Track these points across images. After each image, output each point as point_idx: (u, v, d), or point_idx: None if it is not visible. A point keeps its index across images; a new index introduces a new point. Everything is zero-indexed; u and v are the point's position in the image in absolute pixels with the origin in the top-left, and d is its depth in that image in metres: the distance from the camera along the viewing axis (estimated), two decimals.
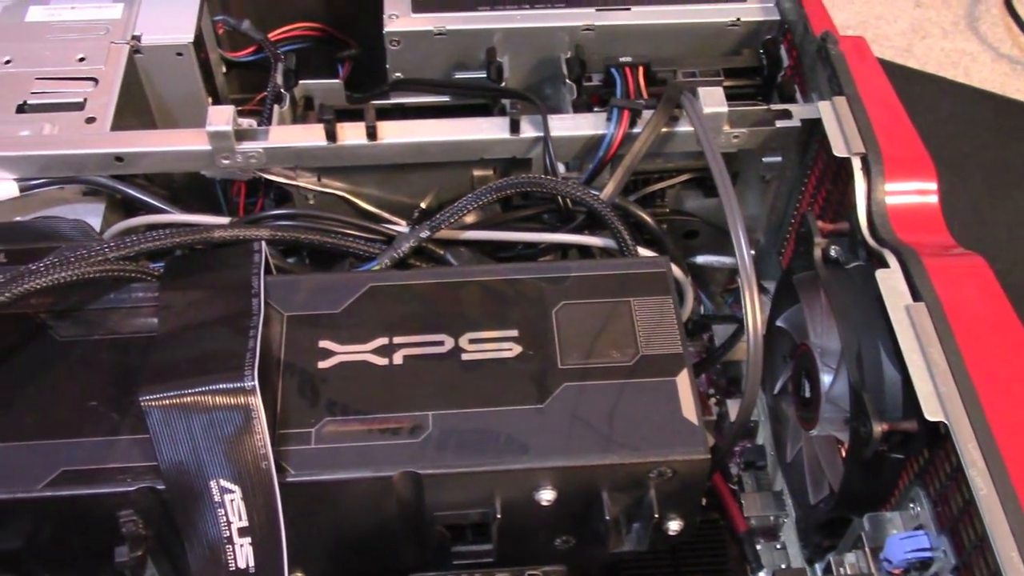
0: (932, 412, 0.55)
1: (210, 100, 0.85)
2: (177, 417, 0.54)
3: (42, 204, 0.73)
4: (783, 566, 0.74)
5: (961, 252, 0.63)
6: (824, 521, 0.67)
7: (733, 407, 0.79)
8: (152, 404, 0.54)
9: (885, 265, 0.61)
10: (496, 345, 0.60)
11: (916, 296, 0.59)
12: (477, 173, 0.76)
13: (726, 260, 0.82)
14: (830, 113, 0.70)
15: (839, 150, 0.68)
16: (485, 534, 0.61)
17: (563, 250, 0.73)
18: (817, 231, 0.66)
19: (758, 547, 0.74)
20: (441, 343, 0.61)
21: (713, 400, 0.83)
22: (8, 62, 0.78)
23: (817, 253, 0.66)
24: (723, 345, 0.78)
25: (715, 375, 0.84)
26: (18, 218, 0.71)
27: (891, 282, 0.60)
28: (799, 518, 0.72)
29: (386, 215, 0.76)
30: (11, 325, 0.61)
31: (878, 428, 0.57)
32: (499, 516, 0.57)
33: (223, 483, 0.54)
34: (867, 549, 0.60)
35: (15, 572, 0.59)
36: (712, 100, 0.71)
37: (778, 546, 0.75)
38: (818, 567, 0.70)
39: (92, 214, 0.72)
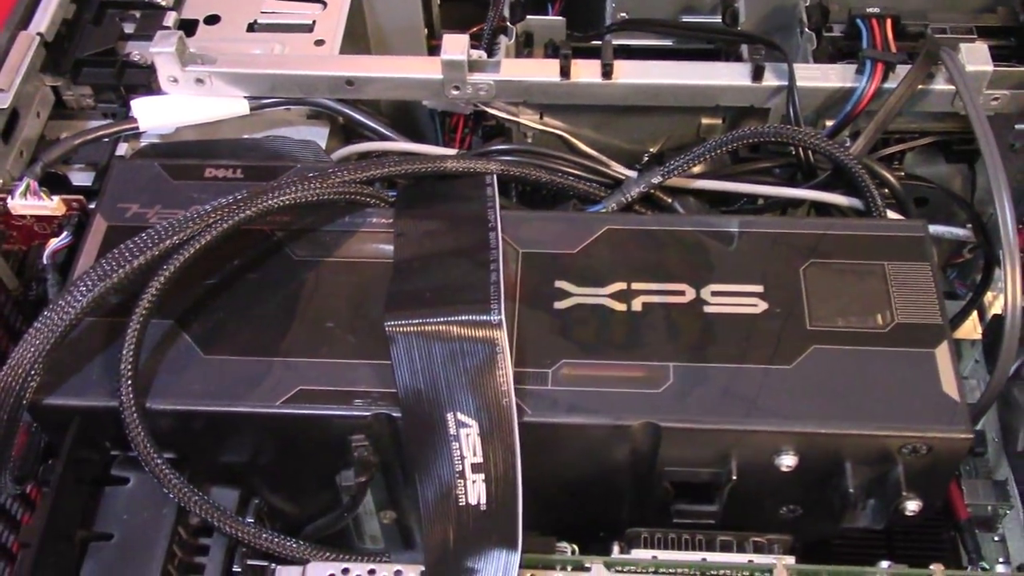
0: None
1: (425, 31, 0.84)
2: (420, 345, 0.53)
3: (267, 125, 0.73)
4: (1001, 560, 0.69)
5: None
6: None
7: None
8: (397, 330, 0.54)
9: None
10: (740, 300, 0.58)
11: None
12: (705, 121, 0.73)
13: (958, 231, 0.76)
14: None
15: None
16: (708, 495, 0.58)
17: (785, 208, 0.70)
18: None
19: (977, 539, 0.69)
20: (682, 293, 0.58)
21: None
22: None
23: None
24: (951, 320, 0.74)
25: None
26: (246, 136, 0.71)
27: None
28: None
29: (605, 159, 0.73)
30: (250, 241, 0.61)
31: None
32: (734, 478, 0.55)
33: (460, 416, 0.53)
34: None
35: (236, 484, 0.59)
36: (976, 57, 0.66)
37: (996, 538, 0.71)
38: None
39: (316, 138, 0.72)
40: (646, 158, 0.71)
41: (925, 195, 0.78)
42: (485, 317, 0.53)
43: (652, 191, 0.66)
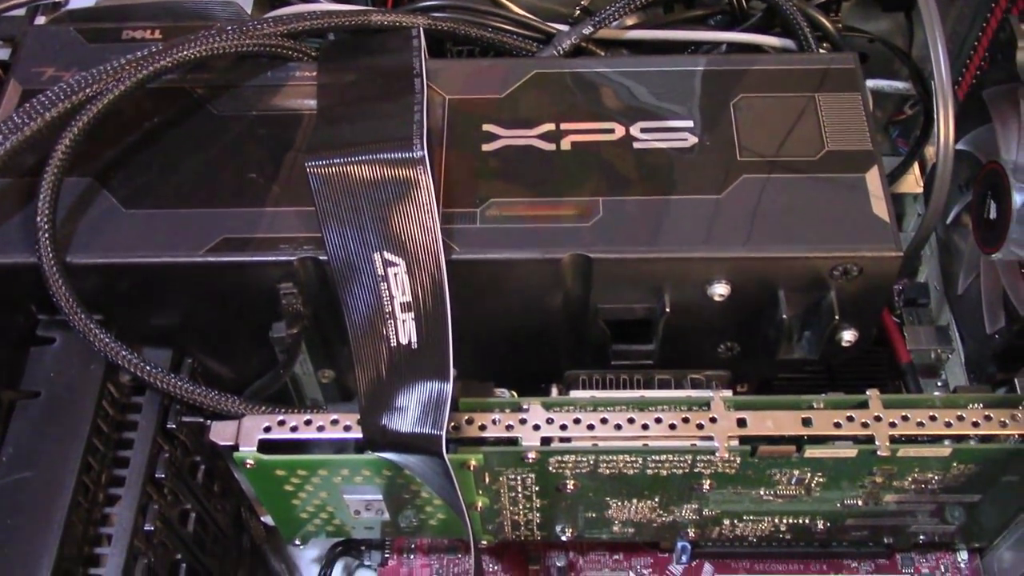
0: None
1: None
2: (343, 186, 0.52)
3: None
4: None
5: None
6: (1001, 350, 0.63)
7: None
8: (318, 171, 0.53)
9: None
10: (670, 135, 0.57)
11: None
12: None
13: (898, 84, 0.76)
14: None
15: None
16: (645, 334, 0.58)
17: None
18: (1021, 34, 0.61)
19: (921, 384, 0.70)
20: (612, 131, 0.57)
21: None
22: None
23: (1020, 58, 0.60)
24: (892, 173, 0.73)
25: None
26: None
27: None
28: (970, 351, 0.68)
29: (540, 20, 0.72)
30: (169, 99, 0.59)
31: None
32: (667, 311, 0.55)
33: (387, 255, 0.52)
34: None
35: (172, 347, 0.59)
36: None
37: (939, 383, 0.71)
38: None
39: (244, 4, 0.69)
40: (578, 11, 0.70)
41: (865, 51, 0.78)
42: (407, 154, 0.52)
43: (584, 44, 0.65)
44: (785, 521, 0.62)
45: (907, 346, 0.70)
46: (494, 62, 0.63)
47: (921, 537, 0.64)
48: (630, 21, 0.68)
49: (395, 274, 0.52)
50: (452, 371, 0.51)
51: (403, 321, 0.52)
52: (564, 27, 0.67)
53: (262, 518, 0.66)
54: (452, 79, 0.60)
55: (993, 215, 0.63)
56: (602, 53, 0.66)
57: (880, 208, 0.54)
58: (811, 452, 0.54)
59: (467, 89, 0.59)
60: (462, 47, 0.70)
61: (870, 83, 0.77)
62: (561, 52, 0.64)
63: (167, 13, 0.65)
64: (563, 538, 0.63)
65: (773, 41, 0.65)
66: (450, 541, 0.68)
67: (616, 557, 0.67)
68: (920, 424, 0.53)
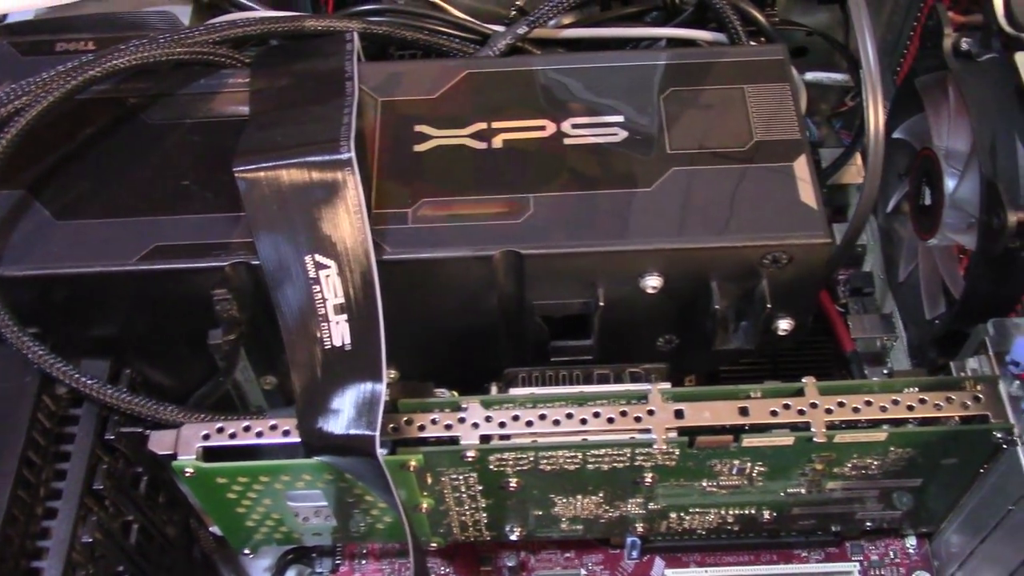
0: None
1: None
2: (271, 189, 0.52)
3: (132, 5, 0.70)
4: None
5: None
6: (941, 336, 0.64)
7: (839, 233, 0.75)
8: (246, 176, 0.53)
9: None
10: (600, 130, 0.57)
11: None
12: None
13: (836, 75, 0.77)
14: None
15: None
16: (582, 329, 0.58)
17: None
18: (948, 22, 0.61)
19: (866, 372, 0.70)
20: (543, 128, 0.58)
21: None
22: None
23: (947, 45, 0.61)
24: (834, 163, 0.74)
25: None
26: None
27: None
28: (912, 337, 0.69)
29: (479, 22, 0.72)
30: (102, 109, 0.59)
31: (1013, 218, 0.53)
32: (601, 304, 0.55)
33: (318, 258, 0.52)
34: (991, 353, 0.56)
35: (112, 357, 0.58)
36: None
37: (885, 371, 0.72)
38: None
39: (179, 14, 0.70)
40: (513, 12, 0.70)
41: (803, 44, 0.79)
42: (334, 156, 0.52)
43: (520, 44, 0.65)
44: (732, 512, 0.62)
45: (852, 335, 0.70)
46: (427, 64, 0.64)
47: (868, 524, 0.64)
48: (567, 20, 0.68)
49: (327, 276, 0.52)
50: (385, 372, 0.51)
51: (336, 323, 0.52)
52: (501, 28, 0.67)
53: (211, 528, 0.66)
54: (385, 81, 0.60)
55: (928, 201, 0.64)
56: (538, 52, 0.66)
57: (808, 195, 0.54)
58: (749, 441, 0.54)
59: (400, 91, 0.60)
60: (404, 51, 0.71)
61: (809, 75, 0.78)
62: (497, 53, 0.64)
63: (103, 25, 0.65)
64: (512, 538, 0.63)
65: (706, 36, 0.65)
66: (402, 545, 0.68)
67: (567, 555, 0.67)
68: (856, 410, 0.54)
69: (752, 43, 0.64)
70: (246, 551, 0.64)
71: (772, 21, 0.74)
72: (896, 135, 0.69)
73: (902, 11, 0.75)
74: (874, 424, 0.55)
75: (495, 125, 0.58)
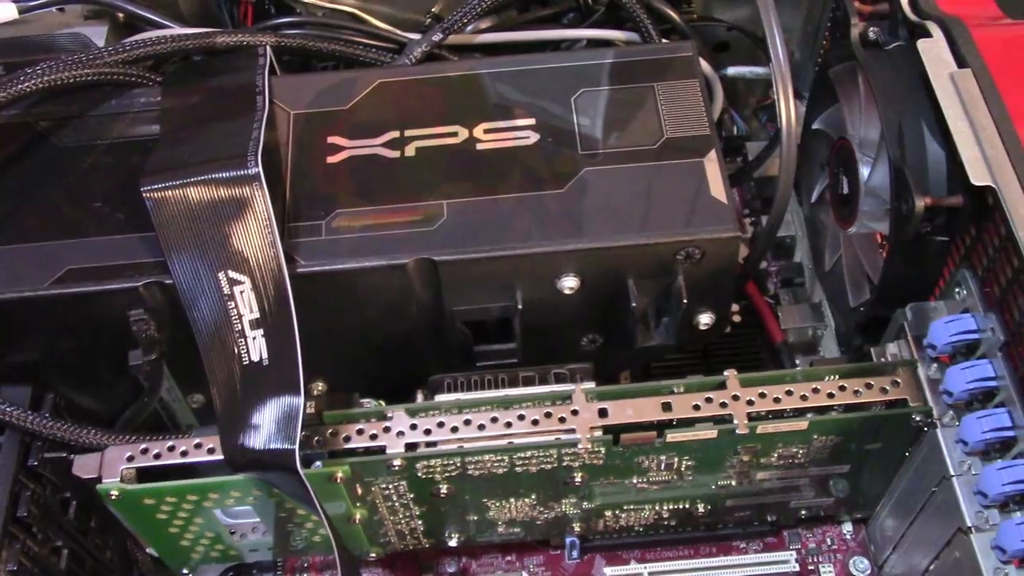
0: (979, 177, 0.51)
1: None
2: (180, 207, 0.52)
3: (44, 29, 0.70)
4: None
5: (1009, 22, 0.59)
6: (864, 322, 0.64)
7: None
8: (154, 195, 0.52)
9: (928, 35, 0.57)
10: (512, 134, 0.58)
11: (961, 64, 0.55)
12: None
13: (759, 70, 0.77)
14: None
15: None
16: (505, 332, 0.58)
17: None
18: (854, 12, 0.62)
19: (796, 362, 0.71)
20: (455, 134, 0.58)
21: (749, 220, 0.79)
22: None
23: (854, 34, 0.62)
24: (758, 157, 0.75)
25: (749, 194, 0.80)
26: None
27: (935, 51, 0.56)
28: (839, 324, 0.69)
29: (397, 31, 0.72)
30: (10, 133, 0.59)
31: (920, 203, 0.53)
32: (520, 307, 0.55)
33: (232, 274, 0.52)
34: (909, 338, 0.57)
35: (34, 383, 0.58)
36: None
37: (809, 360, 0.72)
38: None
39: (94, 36, 0.69)
40: (428, 19, 0.70)
41: (725, 40, 0.79)
42: (241, 171, 0.52)
43: (437, 50, 0.65)
44: (666, 507, 0.62)
45: (783, 325, 0.71)
46: (340, 75, 0.64)
47: (803, 512, 0.65)
48: (484, 25, 0.68)
49: (241, 292, 0.52)
50: (303, 385, 0.51)
51: (253, 338, 0.52)
52: (417, 37, 0.67)
53: (147, 550, 0.65)
54: (298, 94, 0.60)
55: (846, 190, 0.65)
56: (455, 59, 0.66)
57: (718, 190, 0.55)
58: (672, 436, 0.54)
59: (313, 103, 0.59)
60: (326, 63, 0.70)
61: (731, 70, 0.78)
62: (412, 61, 0.65)
63: (13, 49, 0.64)
64: (452, 543, 0.63)
65: (621, 35, 0.65)
66: None
67: (508, 558, 0.67)
68: (777, 400, 0.54)
69: (664, 41, 0.64)
70: (184, 571, 0.64)
71: (690, 18, 0.75)
72: (815, 126, 0.70)
73: (820, 2, 0.75)
74: (797, 413, 0.55)
75: (408, 133, 0.58)
